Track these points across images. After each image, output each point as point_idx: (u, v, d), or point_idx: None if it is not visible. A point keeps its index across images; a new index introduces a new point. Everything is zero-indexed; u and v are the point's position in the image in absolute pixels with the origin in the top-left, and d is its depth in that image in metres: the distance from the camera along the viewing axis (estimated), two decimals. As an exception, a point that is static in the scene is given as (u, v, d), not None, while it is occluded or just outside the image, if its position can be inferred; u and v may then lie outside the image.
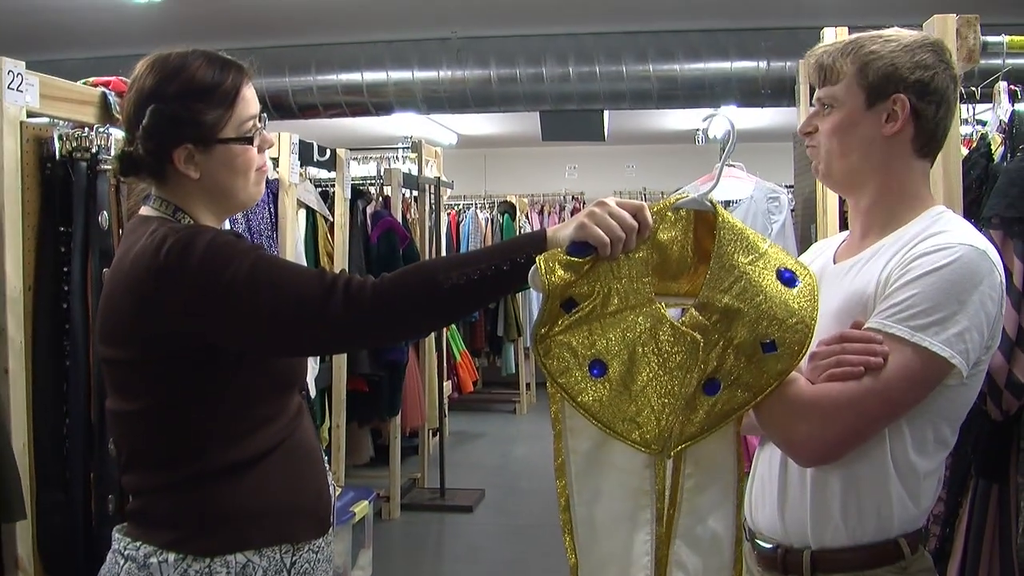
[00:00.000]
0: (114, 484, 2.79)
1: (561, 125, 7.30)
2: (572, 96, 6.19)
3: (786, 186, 5.11)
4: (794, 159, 4.74)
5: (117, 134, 2.96)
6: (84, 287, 2.77)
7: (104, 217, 2.77)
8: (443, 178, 7.33)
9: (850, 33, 3.41)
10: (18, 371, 2.67)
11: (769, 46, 5.88)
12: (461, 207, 9.97)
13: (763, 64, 5.91)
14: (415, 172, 6.86)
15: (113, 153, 2.82)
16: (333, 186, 5.67)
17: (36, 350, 2.73)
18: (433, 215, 7.16)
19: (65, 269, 2.76)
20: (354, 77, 6.31)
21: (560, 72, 6.05)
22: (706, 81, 6.00)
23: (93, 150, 2.78)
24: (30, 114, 2.77)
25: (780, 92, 5.94)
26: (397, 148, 6.83)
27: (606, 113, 7.20)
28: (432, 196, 7.19)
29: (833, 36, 4.02)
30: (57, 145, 2.78)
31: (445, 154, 7.74)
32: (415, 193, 6.96)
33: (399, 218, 6.31)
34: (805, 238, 4.27)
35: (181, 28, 6.30)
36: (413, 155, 6.91)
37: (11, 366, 2.65)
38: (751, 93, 6.02)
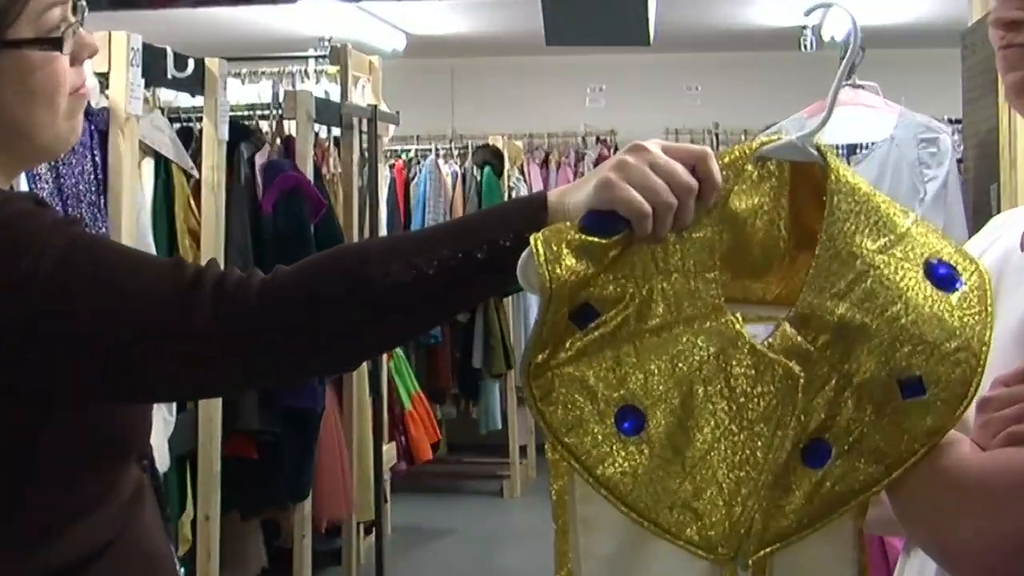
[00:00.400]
0: None
1: (578, 20, 7.10)
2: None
3: (950, 121, 5.09)
4: (963, 76, 4.72)
5: None
6: None
7: None
8: (383, 107, 7.19)
9: None
10: None
11: None
12: (414, 155, 9.79)
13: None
14: (336, 98, 6.72)
15: None
16: (199, 121, 5.57)
17: None
18: (367, 168, 7.00)
19: None
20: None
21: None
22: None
23: None
24: None
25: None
26: (307, 57, 6.72)
27: (651, 1, 7.07)
28: (366, 137, 7.06)
29: None
30: None
31: (387, 67, 7.52)
32: (336, 132, 6.87)
33: (309, 174, 6.16)
34: (981, 205, 4.23)
35: None
36: (333, 69, 6.78)
37: None
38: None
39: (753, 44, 10.70)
